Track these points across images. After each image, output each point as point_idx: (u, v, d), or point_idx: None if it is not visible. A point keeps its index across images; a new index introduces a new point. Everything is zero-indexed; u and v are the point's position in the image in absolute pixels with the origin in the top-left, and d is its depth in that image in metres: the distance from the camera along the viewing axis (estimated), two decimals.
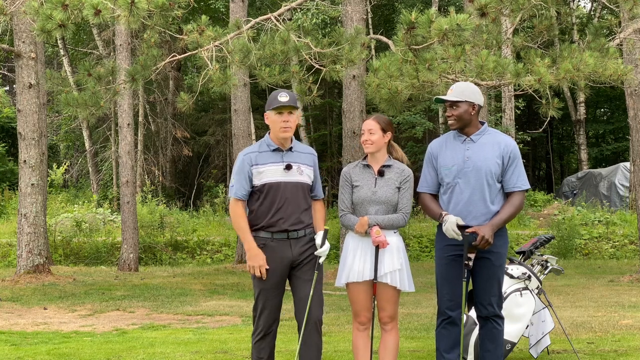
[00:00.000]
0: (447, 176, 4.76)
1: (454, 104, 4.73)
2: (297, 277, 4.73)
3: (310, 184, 4.81)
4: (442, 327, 4.81)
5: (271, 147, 4.72)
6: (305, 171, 4.77)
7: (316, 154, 4.99)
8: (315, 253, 4.72)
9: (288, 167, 4.69)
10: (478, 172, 4.68)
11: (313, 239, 4.78)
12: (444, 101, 4.82)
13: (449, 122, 4.78)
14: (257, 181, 4.68)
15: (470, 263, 4.66)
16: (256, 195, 4.69)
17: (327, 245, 4.73)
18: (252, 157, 4.70)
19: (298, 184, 4.71)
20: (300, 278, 4.71)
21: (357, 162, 5.02)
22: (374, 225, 4.74)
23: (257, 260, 4.62)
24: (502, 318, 4.85)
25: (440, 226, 4.76)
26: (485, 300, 4.78)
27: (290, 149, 4.77)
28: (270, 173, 4.65)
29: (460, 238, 4.61)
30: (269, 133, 4.81)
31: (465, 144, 4.76)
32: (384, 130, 4.86)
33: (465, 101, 4.71)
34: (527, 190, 4.82)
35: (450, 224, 4.60)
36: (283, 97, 4.66)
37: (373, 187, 4.84)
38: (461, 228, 4.62)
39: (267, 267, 4.63)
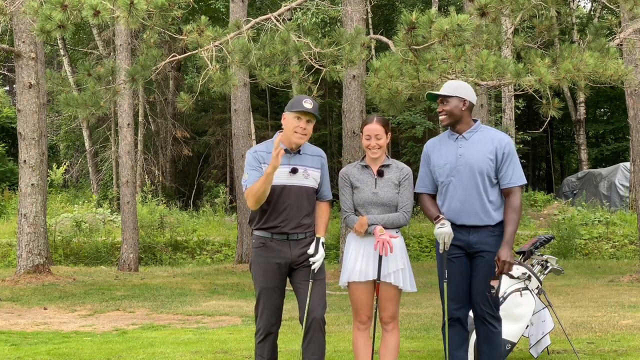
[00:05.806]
0: (441, 175, 4.75)
1: (444, 99, 4.75)
2: (298, 278, 4.71)
3: (316, 187, 4.77)
4: (448, 327, 4.78)
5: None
6: (311, 174, 4.73)
7: (325, 155, 4.92)
8: (310, 260, 4.68)
9: (294, 171, 4.65)
10: (471, 170, 4.66)
11: (313, 241, 4.75)
12: (435, 97, 4.83)
13: (440, 117, 4.81)
14: None
15: (494, 290, 4.71)
16: None
17: (320, 253, 4.67)
18: (263, 155, 4.66)
19: (302, 188, 4.67)
20: (301, 279, 4.70)
21: (355, 163, 4.99)
22: (376, 224, 4.74)
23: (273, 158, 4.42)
24: (498, 320, 4.81)
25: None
26: (479, 299, 4.75)
27: (299, 151, 4.73)
28: (275, 175, 4.57)
29: (447, 249, 4.66)
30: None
31: (458, 142, 4.75)
32: (386, 132, 4.85)
33: (456, 96, 4.73)
34: (523, 186, 4.82)
35: (447, 235, 4.61)
36: (307, 103, 4.63)
37: (373, 188, 4.82)
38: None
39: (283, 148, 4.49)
